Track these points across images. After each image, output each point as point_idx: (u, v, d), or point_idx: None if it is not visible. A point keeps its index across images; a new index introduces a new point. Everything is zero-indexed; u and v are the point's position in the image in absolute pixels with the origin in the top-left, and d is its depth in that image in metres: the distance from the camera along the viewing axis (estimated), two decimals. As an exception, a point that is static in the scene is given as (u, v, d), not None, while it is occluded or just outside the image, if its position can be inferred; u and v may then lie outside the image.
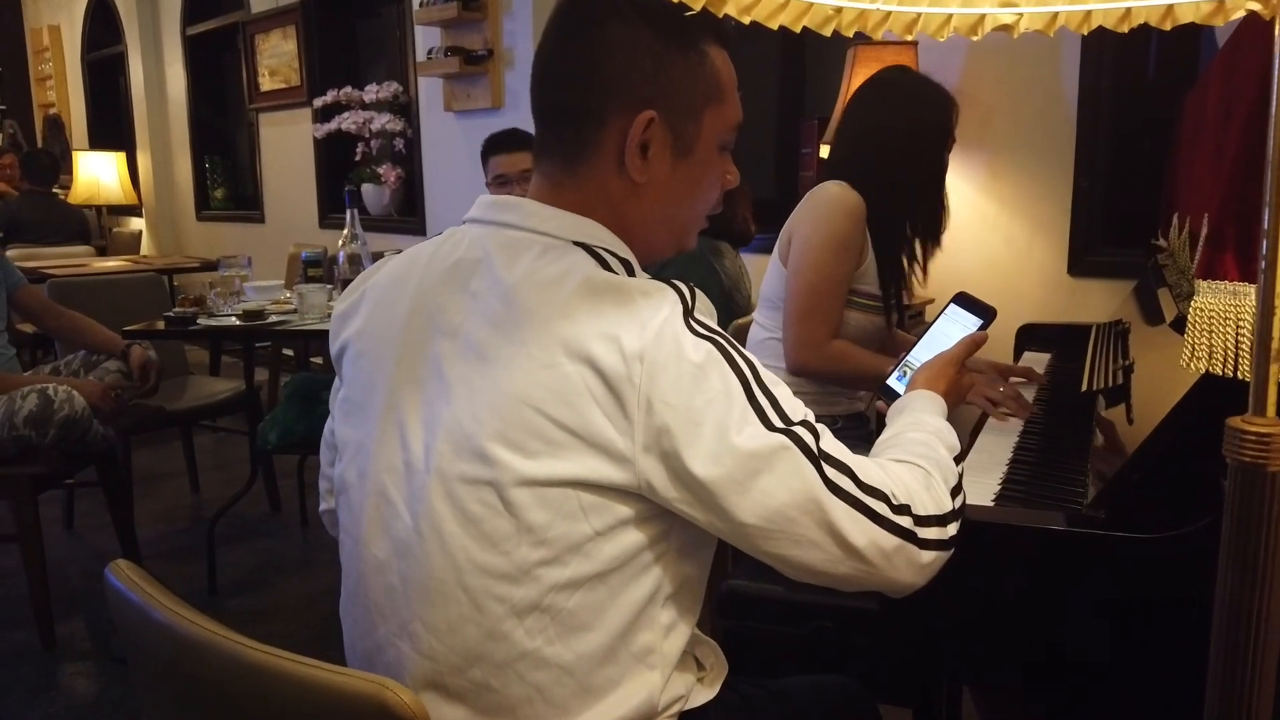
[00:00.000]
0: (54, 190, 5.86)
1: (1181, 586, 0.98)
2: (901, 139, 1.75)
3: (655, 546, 0.85)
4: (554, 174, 0.92)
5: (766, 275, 1.89)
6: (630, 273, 0.89)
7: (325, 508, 1.07)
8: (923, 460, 0.94)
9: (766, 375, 0.84)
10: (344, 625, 0.96)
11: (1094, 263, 2.79)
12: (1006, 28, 0.63)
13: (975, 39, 0.60)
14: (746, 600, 1.52)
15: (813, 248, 1.74)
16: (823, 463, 0.83)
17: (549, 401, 0.79)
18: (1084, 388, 1.54)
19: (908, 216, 1.81)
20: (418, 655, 0.86)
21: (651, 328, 0.79)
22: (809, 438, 0.83)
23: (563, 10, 0.92)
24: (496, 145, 2.77)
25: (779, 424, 0.81)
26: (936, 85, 1.80)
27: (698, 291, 0.86)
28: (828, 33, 0.62)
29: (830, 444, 0.85)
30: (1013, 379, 1.75)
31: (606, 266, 0.86)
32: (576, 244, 0.88)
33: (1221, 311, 0.87)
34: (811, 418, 0.86)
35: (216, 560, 2.79)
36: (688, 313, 0.82)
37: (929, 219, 1.84)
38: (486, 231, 0.91)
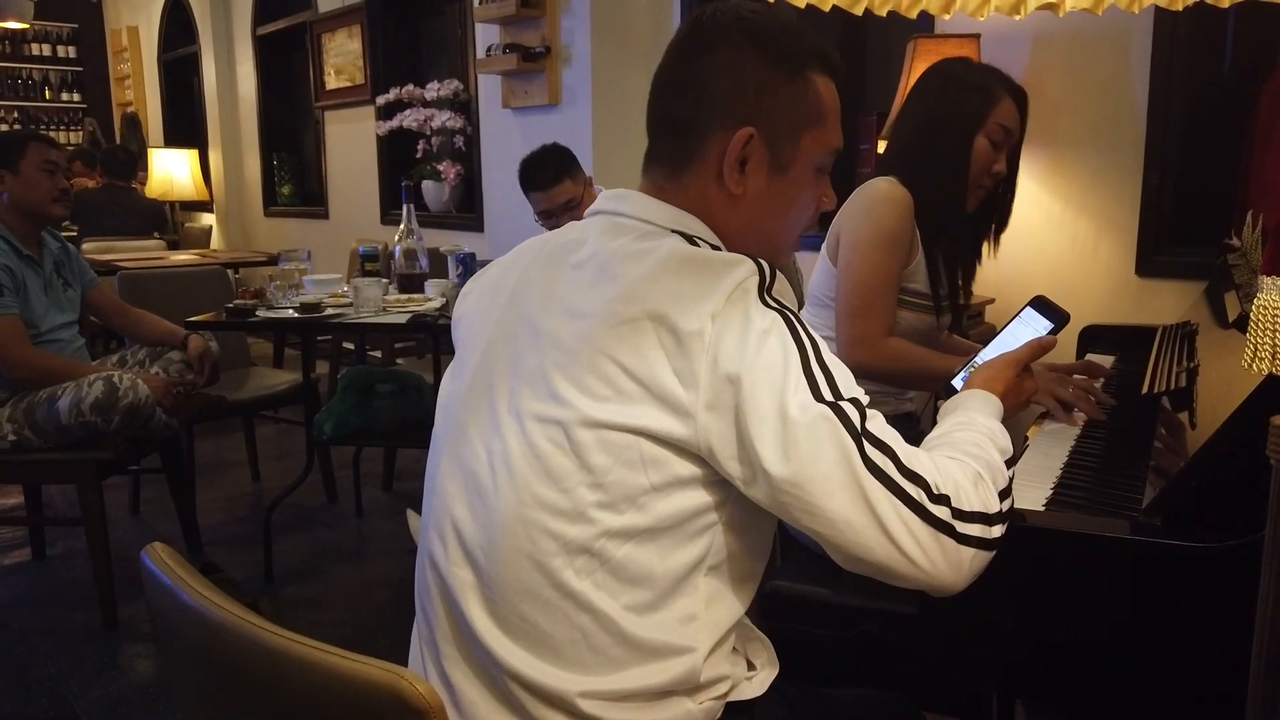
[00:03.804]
0: (134, 185, 6.03)
1: (1240, 598, 0.93)
2: (933, 131, 1.69)
3: (709, 514, 0.88)
4: (659, 179, 0.99)
5: (814, 272, 1.85)
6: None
7: None
8: (973, 460, 0.93)
9: (829, 356, 0.87)
10: (417, 560, 1.01)
11: (1163, 263, 2.69)
12: (1051, 6, 0.59)
13: (1018, 19, 0.57)
14: (790, 601, 1.50)
15: (862, 244, 1.69)
16: (864, 441, 0.83)
17: (623, 351, 0.84)
18: (1145, 390, 1.48)
19: (954, 211, 1.73)
20: (478, 584, 0.90)
21: (725, 291, 0.84)
22: (854, 415, 0.84)
23: (682, 35, 1.00)
24: (532, 181, 2.75)
25: (828, 396, 0.83)
26: (986, 74, 1.71)
27: (779, 274, 0.90)
28: (859, 11, 0.59)
29: (877, 426, 0.86)
30: (1075, 377, 1.69)
31: (695, 245, 0.92)
32: (673, 231, 0.94)
33: (1287, 309, 0.82)
34: (865, 399, 0.87)
35: (273, 548, 2.84)
36: (764, 287, 0.87)
37: (962, 215, 1.74)
38: (598, 219, 0.99)
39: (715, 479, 0.86)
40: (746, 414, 0.82)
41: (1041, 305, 1.27)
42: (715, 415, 0.83)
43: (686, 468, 0.85)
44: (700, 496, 0.86)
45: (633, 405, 0.84)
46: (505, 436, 0.89)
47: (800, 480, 0.82)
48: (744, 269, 0.86)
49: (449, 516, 0.93)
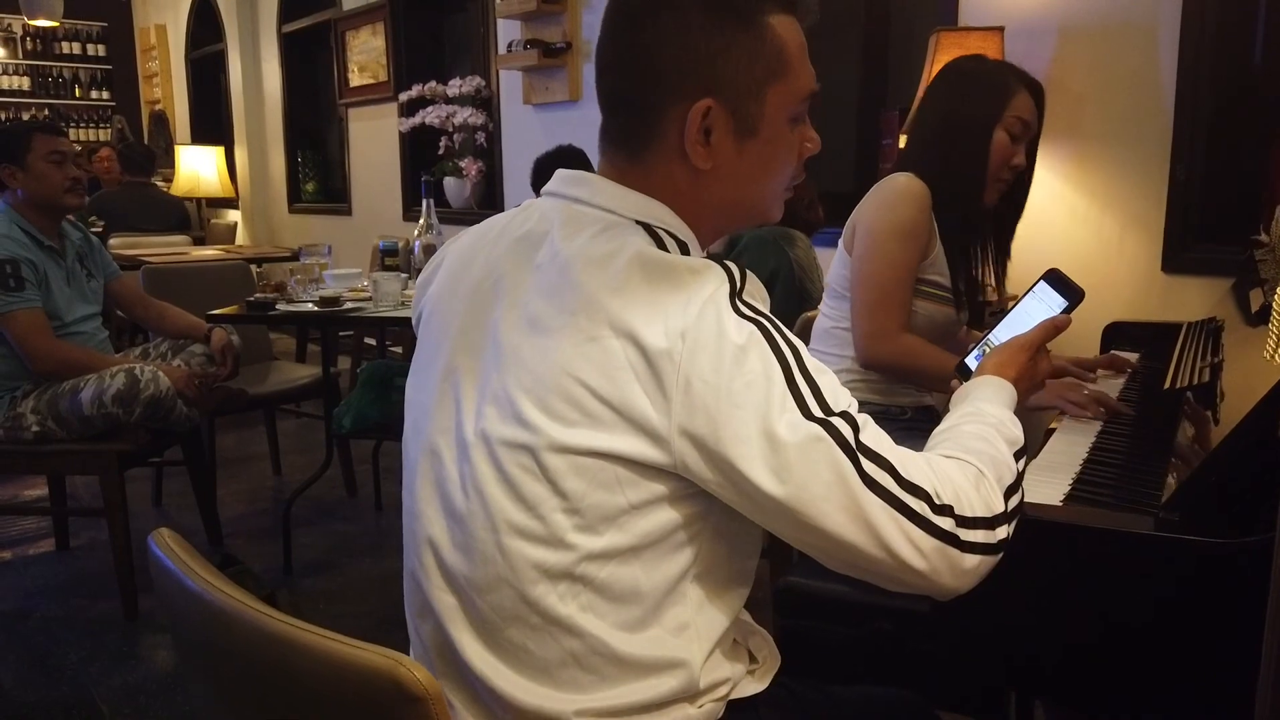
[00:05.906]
0: (153, 181, 6.10)
1: (1260, 596, 0.91)
2: (951, 127, 1.72)
3: (691, 526, 0.84)
4: (619, 161, 0.92)
5: (832, 265, 1.86)
6: (685, 253, 0.87)
7: None
8: (976, 457, 0.90)
9: (811, 362, 0.82)
10: (404, 579, 0.98)
11: (1190, 259, 2.64)
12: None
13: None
14: (804, 598, 1.48)
15: (878, 237, 1.70)
16: (860, 456, 0.79)
17: (591, 374, 0.79)
18: (1168, 385, 1.46)
19: (975, 204, 1.74)
20: (462, 609, 0.88)
21: (695, 306, 0.79)
22: (847, 430, 0.80)
23: (616, 3, 0.91)
24: (542, 182, 2.74)
25: (817, 413, 0.79)
26: (1000, 69, 1.74)
27: (749, 274, 0.85)
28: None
29: (872, 437, 0.82)
30: (1099, 371, 1.68)
31: (661, 246, 0.85)
32: (639, 223, 0.87)
33: (1310, 300, 0.80)
34: (854, 408, 0.82)
35: (292, 541, 2.87)
36: (735, 293, 0.81)
37: (981, 208, 1.76)
38: (556, 205, 0.92)
39: (697, 491, 0.82)
40: (727, 439, 0.77)
41: (1055, 279, 1.24)
42: (691, 440, 0.78)
43: (665, 485, 0.81)
44: (683, 509, 0.83)
45: (603, 430, 0.79)
46: (475, 460, 0.85)
47: (795, 503, 0.78)
48: (712, 278, 0.81)
49: (427, 539, 0.90)
